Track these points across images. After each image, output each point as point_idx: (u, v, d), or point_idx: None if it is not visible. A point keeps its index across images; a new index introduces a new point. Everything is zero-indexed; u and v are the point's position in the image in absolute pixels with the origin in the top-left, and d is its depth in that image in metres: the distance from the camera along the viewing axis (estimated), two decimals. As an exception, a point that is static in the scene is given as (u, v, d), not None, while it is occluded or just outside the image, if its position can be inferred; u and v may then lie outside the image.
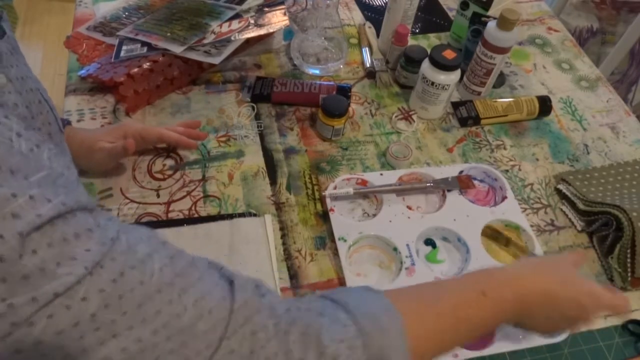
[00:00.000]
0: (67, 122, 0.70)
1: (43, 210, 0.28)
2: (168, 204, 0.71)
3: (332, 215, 0.69)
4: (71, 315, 0.29)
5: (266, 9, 0.88)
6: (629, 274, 0.67)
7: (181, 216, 0.70)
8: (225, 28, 0.84)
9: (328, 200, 0.70)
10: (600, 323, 0.65)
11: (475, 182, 0.78)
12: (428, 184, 0.74)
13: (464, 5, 0.90)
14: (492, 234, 0.70)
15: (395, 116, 0.85)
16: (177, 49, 0.79)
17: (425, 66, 0.80)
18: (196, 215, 0.70)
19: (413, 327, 0.41)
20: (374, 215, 0.71)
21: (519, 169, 0.81)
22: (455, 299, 0.46)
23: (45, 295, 0.28)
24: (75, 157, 0.65)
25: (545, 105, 0.86)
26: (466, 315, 0.45)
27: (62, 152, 0.43)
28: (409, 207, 0.73)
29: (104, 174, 0.73)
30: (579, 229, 0.74)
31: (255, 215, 0.70)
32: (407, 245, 0.67)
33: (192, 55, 0.79)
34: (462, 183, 0.74)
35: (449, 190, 0.73)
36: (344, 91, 0.86)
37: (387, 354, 0.39)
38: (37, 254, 0.27)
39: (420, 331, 0.42)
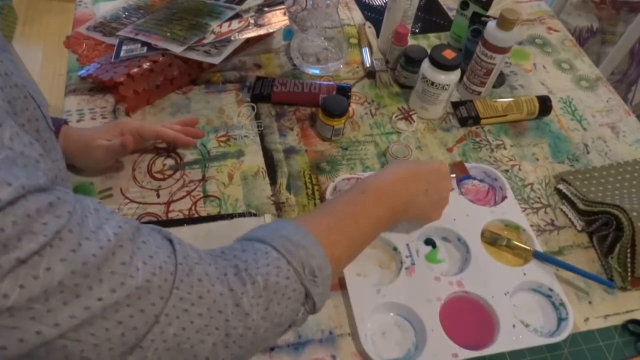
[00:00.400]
0: (64, 122, 0.70)
1: (3, 194, 0.31)
2: (168, 204, 0.71)
3: (332, 215, 0.69)
4: (39, 284, 0.32)
5: (266, 9, 0.88)
6: (629, 274, 0.67)
7: (181, 216, 0.70)
8: (225, 28, 0.84)
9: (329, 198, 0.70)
10: (600, 323, 0.65)
11: (475, 182, 0.78)
12: None
13: (464, 5, 0.90)
14: (490, 237, 0.69)
15: (395, 116, 0.85)
16: (177, 49, 0.79)
17: (425, 66, 0.80)
18: (196, 215, 0.70)
19: (323, 236, 0.50)
20: (374, 215, 0.71)
21: (519, 169, 0.81)
22: (346, 204, 0.57)
23: (8, 261, 0.31)
24: (73, 155, 0.69)
25: (545, 105, 0.86)
26: (358, 213, 0.56)
27: (52, 149, 0.47)
28: (409, 207, 0.73)
29: (103, 173, 0.73)
30: (579, 228, 0.74)
31: (255, 215, 0.70)
32: (407, 245, 0.67)
33: (192, 55, 0.79)
34: (457, 169, 0.73)
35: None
36: (344, 91, 0.86)
37: (309, 262, 0.47)
38: (3, 231, 0.31)
39: (331, 237, 0.51)
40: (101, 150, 0.68)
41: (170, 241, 0.42)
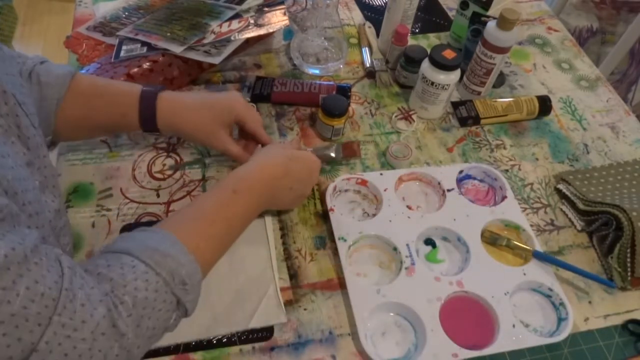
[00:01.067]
0: (161, 88, 0.66)
1: None
2: (168, 204, 0.71)
3: (332, 215, 0.69)
4: None
5: (266, 9, 0.88)
6: (629, 274, 0.67)
7: (181, 216, 0.70)
8: (225, 28, 0.84)
9: (328, 199, 0.70)
10: (600, 323, 0.65)
11: (475, 182, 0.78)
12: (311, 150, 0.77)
13: (463, 5, 0.90)
14: (490, 237, 0.69)
15: (395, 116, 0.85)
16: (177, 49, 0.79)
17: (425, 66, 0.80)
18: (196, 215, 0.70)
19: (192, 243, 0.50)
20: (374, 215, 0.71)
21: (519, 169, 0.81)
22: (216, 206, 0.57)
23: None
24: (183, 133, 0.70)
25: (545, 105, 0.86)
26: (230, 214, 0.57)
27: (37, 146, 0.49)
28: (409, 207, 0.73)
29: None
30: (579, 228, 0.74)
31: (255, 215, 0.70)
32: (407, 245, 0.67)
33: (192, 55, 0.79)
34: (347, 150, 0.77)
35: (448, 191, 0.73)
36: (344, 91, 0.86)
37: (179, 271, 0.47)
38: None
39: (201, 244, 0.52)
40: (222, 149, 0.68)
41: (60, 262, 0.41)
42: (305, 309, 0.63)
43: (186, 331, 0.59)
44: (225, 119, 0.67)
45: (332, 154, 0.76)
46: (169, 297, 0.46)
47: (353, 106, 0.86)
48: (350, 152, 0.77)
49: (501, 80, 0.92)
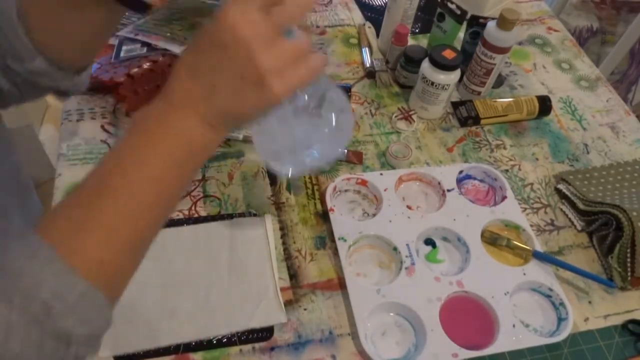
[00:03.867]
0: None
1: None
2: (168, 204, 0.71)
3: (332, 215, 0.69)
4: None
5: (266, 9, 0.88)
6: (629, 274, 0.67)
7: (181, 216, 0.70)
8: (225, 28, 0.84)
9: (328, 199, 0.70)
10: (600, 323, 0.65)
11: (475, 182, 0.78)
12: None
13: (440, 17, 0.89)
14: (490, 237, 0.70)
15: (395, 116, 0.85)
16: (177, 49, 0.79)
17: (425, 66, 0.80)
18: (196, 215, 0.70)
19: (63, 242, 0.35)
20: (374, 215, 0.71)
21: (519, 169, 0.81)
22: (105, 166, 0.38)
23: None
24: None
25: (545, 105, 0.86)
26: (121, 173, 0.37)
27: None
28: (409, 207, 0.73)
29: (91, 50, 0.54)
30: (579, 228, 0.74)
31: (255, 215, 0.70)
32: (407, 245, 0.67)
33: (192, 55, 0.79)
34: (352, 157, 0.77)
35: (449, 191, 0.73)
36: (344, 91, 0.86)
37: (35, 294, 0.32)
38: None
39: (73, 241, 0.35)
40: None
41: None
42: (305, 309, 0.63)
43: (186, 331, 0.59)
44: None
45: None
46: (33, 337, 0.32)
47: (353, 106, 0.86)
48: (354, 158, 0.77)
49: (500, 81, 0.92)
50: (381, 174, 0.74)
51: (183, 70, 0.42)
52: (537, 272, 0.66)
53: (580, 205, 0.74)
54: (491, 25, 0.79)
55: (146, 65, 0.78)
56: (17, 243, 0.35)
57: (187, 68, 0.41)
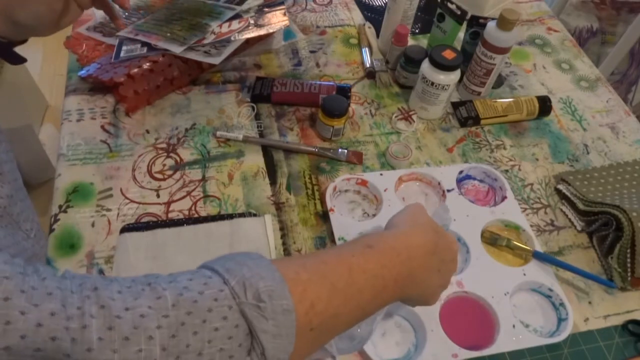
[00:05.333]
0: None
1: None
2: (168, 204, 0.71)
3: (332, 215, 0.69)
4: None
5: (266, 9, 0.88)
6: (629, 274, 0.67)
7: (181, 216, 0.70)
8: (225, 28, 0.84)
9: (328, 200, 0.70)
10: (600, 323, 0.65)
11: (475, 182, 0.78)
12: (314, 149, 0.78)
13: (440, 18, 0.89)
14: (490, 237, 0.70)
15: (395, 116, 0.85)
16: (177, 49, 0.79)
17: (425, 66, 0.80)
18: (196, 215, 0.70)
19: (290, 270, 0.39)
20: (374, 215, 0.71)
21: (519, 169, 0.81)
22: (339, 251, 0.46)
23: None
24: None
25: (545, 105, 0.86)
26: (355, 264, 0.43)
27: None
28: (409, 207, 0.73)
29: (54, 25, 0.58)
30: (579, 229, 0.74)
31: (255, 215, 0.70)
32: (407, 245, 0.67)
33: (192, 56, 0.79)
34: (352, 157, 0.78)
35: (449, 191, 0.73)
36: (344, 91, 0.86)
37: (254, 282, 0.36)
38: None
39: (302, 274, 0.39)
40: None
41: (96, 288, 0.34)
42: (305, 309, 0.63)
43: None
44: None
45: (449, 222, 0.65)
46: (233, 317, 0.34)
47: (353, 106, 0.86)
48: (354, 159, 0.78)
49: (499, 81, 0.92)
50: (381, 174, 0.74)
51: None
52: (537, 272, 0.66)
53: (580, 206, 0.74)
54: (491, 25, 0.79)
55: (146, 65, 0.78)
56: (240, 253, 0.40)
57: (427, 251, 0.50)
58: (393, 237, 0.49)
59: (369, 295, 0.44)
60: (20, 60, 0.58)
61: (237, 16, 0.87)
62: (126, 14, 0.91)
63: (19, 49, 0.59)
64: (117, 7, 0.64)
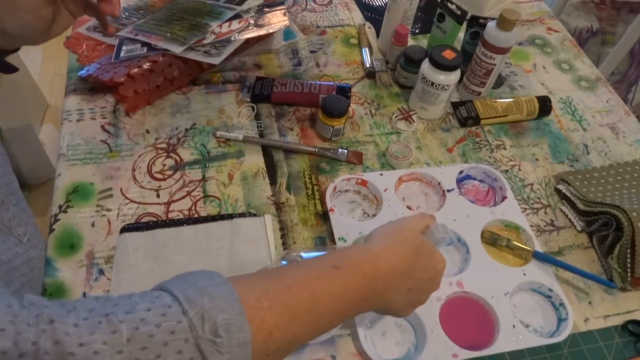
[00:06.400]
0: None
1: None
2: (168, 204, 0.71)
3: (332, 215, 0.69)
4: None
5: (266, 9, 0.88)
6: (629, 274, 0.67)
7: (181, 216, 0.70)
8: (225, 28, 0.84)
9: (328, 200, 0.70)
10: (600, 323, 0.65)
11: (475, 183, 0.78)
12: (314, 149, 0.78)
13: (440, 18, 0.89)
14: (490, 237, 0.69)
15: (395, 116, 0.85)
16: (177, 49, 0.79)
17: (425, 66, 0.80)
18: (196, 215, 0.70)
19: (251, 296, 0.39)
20: (374, 215, 0.71)
21: (519, 169, 0.81)
22: (305, 272, 0.45)
23: None
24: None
25: (545, 105, 0.86)
26: (319, 288, 0.43)
27: None
28: (409, 207, 0.73)
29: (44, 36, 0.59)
30: (579, 229, 0.74)
31: (255, 215, 0.70)
32: (407, 245, 0.67)
33: (192, 56, 0.79)
34: (352, 157, 0.78)
35: (449, 191, 0.73)
36: (344, 91, 0.86)
37: (213, 315, 0.36)
38: None
39: (263, 301, 0.39)
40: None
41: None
42: (305, 309, 0.63)
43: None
44: None
45: (442, 242, 0.60)
46: (188, 350, 0.35)
47: (353, 106, 0.86)
48: (354, 159, 0.78)
49: (499, 82, 0.92)
50: (381, 174, 0.74)
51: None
52: (537, 272, 0.66)
53: (580, 206, 0.74)
54: (491, 25, 0.79)
55: (146, 66, 0.78)
56: (204, 273, 0.40)
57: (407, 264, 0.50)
58: (362, 257, 0.48)
59: (329, 317, 0.45)
60: (11, 69, 0.58)
61: (237, 16, 0.87)
62: (126, 14, 0.91)
63: (15, 55, 0.59)
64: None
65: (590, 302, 0.67)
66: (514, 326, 0.61)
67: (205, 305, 0.36)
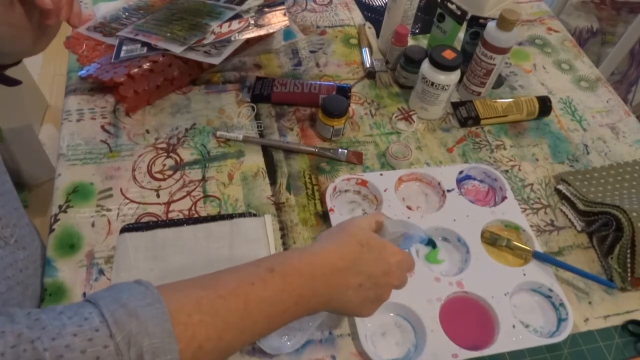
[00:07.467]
0: None
1: None
2: (168, 204, 0.71)
3: (332, 216, 0.69)
4: None
5: (266, 9, 0.88)
6: (629, 274, 0.67)
7: (181, 216, 0.70)
8: (225, 28, 0.84)
9: (328, 200, 0.70)
10: (600, 323, 0.65)
11: (475, 183, 0.78)
12: (314, 149, 0.78)
13: (440, 18, 0.89)
14: (490, 237, 0.70)
15: (395, 116, 0.85)
16: (177, 49, 0.79)
17: (425, 66, 0.80)
18: (196, 215, 0.70)
19: (182, 312, 0.39)
20: (374, 215, 0.71)
21: (519, 169, 0.81)
22: (239, 278, 0.44)
23: None
24: None
25: (545, 105, 0.86)
26: (252, 294, 0.43)
27: None
28: (409, 207, 0.73)
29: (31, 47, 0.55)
30: (579, 229, 0.74)
31: (255, 215, 0.70)
32: (407, 245, 0.67)
33: (192, 56, 0.79)
34: (352, 157, 0.78)
35: (449, 191, 0.73)
36: (344, 91, 0.86)
37: (140, 340, 0.35)
38: None
39: (194, 316, 0.39)
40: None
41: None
42: (305, 309, 0.63)
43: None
44: None
45: (421, 242, 0.60)
46: None
47: (353, 106, 0.86)
48: (354, 159, 0.78)
49: (499, 82, 0.92)
50: (381, 175, 0.74)
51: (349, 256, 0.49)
52: (537, 272, 0.66)
53: (580, 206, 0.74)
54: (491, 25, 0.79)
55: (146, 66, 0.78)
56: (137, 288, 0.39)
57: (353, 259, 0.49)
58: (299, 257, 0.47)
59: (264, 322, 0.44)
60: (14, 82, 0.57)
61: (237, 16, 0.87)
62: (126, 14, 0.91)
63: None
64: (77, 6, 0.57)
65: (590, 302, 0.67)
66: (514, 326, 0.61)
67: (132, 330, 0.35)
